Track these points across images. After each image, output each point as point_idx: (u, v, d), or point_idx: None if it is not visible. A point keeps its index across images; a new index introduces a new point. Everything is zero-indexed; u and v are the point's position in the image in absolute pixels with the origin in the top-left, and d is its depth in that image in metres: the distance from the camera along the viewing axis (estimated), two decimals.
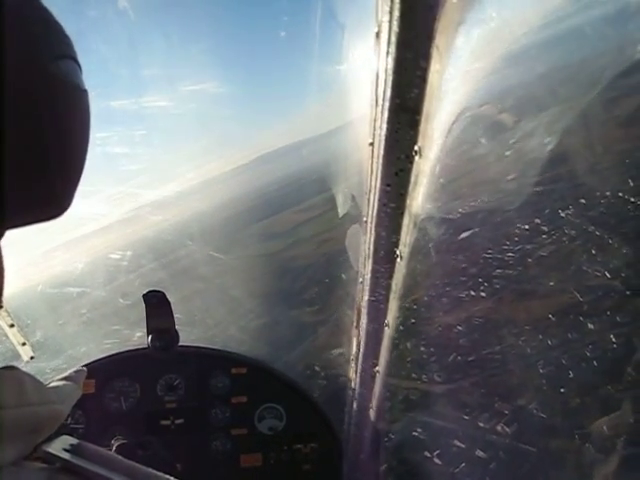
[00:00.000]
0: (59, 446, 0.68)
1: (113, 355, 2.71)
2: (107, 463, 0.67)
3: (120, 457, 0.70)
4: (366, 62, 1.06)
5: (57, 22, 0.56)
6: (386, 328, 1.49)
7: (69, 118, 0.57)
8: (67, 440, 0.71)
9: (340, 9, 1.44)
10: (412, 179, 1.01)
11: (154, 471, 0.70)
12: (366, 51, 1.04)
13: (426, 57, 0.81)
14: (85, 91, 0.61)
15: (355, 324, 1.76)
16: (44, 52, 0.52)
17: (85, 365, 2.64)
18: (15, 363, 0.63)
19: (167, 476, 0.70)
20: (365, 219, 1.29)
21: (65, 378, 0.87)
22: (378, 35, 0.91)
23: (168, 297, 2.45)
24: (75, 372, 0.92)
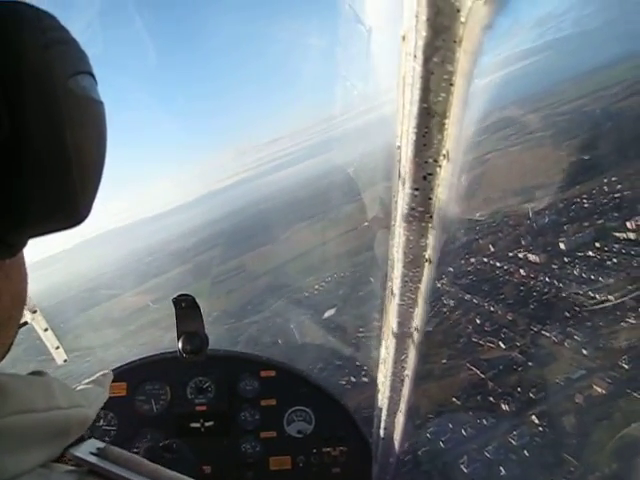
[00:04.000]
0: (86, 449, 0.70)
1: (144, 359, 2.77)
2: (132, 466, 0.68)
3: (146, 460, 0.71)
4: (392, 66, 1.06)
5: (74, 40, 0.59)
6: (415, 332, 1.48)
7: (87, 130, 0.60)
8: (94, 444, 0.73)
9: (366, 12, 1.44)
10: (440, 183, 1.00)
11: (178, 474, 0.71)
12: (392, 54, 1.04)
13: (453, 61, 0.80)
14: (101, 103, 0.63)
15: (384, 328, 1.75)
16: (63, 70, 0.55)
17: (117, 369, 2.71)
18: (48, 366, 0.66)
19: (190, 478, 0.71)
20: (393, 223, 1.29)
21: (92, 382, 0.90)
22: (404, 39, 0.91)
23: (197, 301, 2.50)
24: (102, 376, 0.95)
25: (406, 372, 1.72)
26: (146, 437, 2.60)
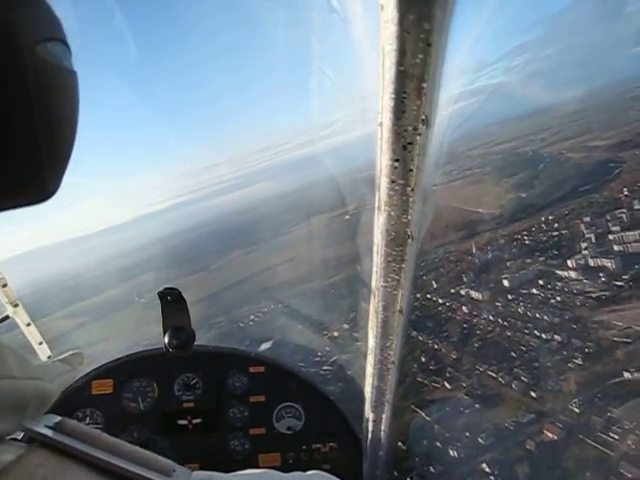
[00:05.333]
0: (43, 424, 0.66)
1: (131, 355, 2.72)
2: (90, 439, 0.64)
3: (105, 434, 0.68)
4: (372, 37, 1.04)
5: (46, 4, 0.56)
6: (399, 314, 1.46)
7: (57, 100, 0.57)
8: (52, 418, 0.69)
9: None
10: (420, 152, 0.98)
11: (139, 449, 0.67)
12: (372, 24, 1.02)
13: (429, 19, 0.79)
14: (74, 73, 0.60)
15: (371, 316, 1.73)
16: (30, 35, 0.52)
17: (102, 365, 2.66)
18: (27, 362, 0.63)
19: (153, 454, 0.68)
20: (377, 204, 1.27)
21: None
22: (383, 7, 0.89)
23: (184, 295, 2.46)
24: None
25: (392, 359, 1.69)
26: (133, 435, 2.56)
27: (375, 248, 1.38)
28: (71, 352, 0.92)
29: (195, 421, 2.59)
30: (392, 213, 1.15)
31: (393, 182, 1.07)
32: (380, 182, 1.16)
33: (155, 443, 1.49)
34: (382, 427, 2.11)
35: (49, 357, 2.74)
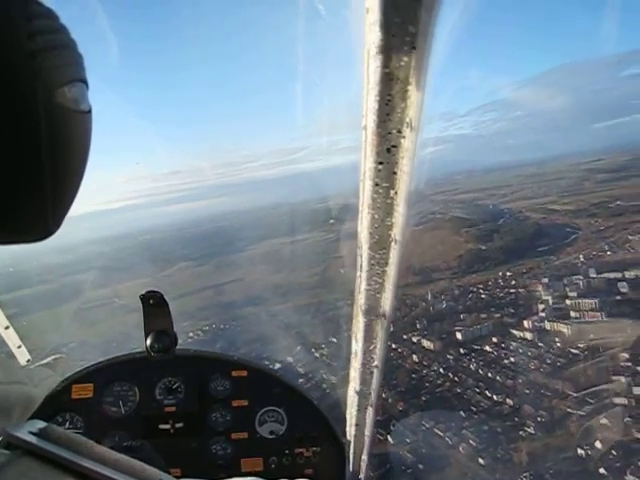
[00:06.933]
0: (26, 430, 0.65)
1: (112, 359, 2.68)
2: (75, 447, 0.63)
3: (91, 442, 0.67)
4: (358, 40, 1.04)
5: (70, 42, 0.55)
6: (382, 319, 1.46)
7: (66, 146, 0.57)
8: (36, 424, 0.67)
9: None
10: (405, 155, 0.98)
11: (125, 457, 0.66)
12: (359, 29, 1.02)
13: (414, 22, 0.79)
14: (88, 112, 0.60)
15: (354, 319, 1.72)
16: (50, 80, 0.51)
17: (83, 369, 2.62)
18: (11, 366, 0.61)
19: (139, 462, 0.67)
20: (361, 207, 1.27)
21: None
22: (368, 11, 0.89)
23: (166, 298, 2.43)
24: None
25: (375, 363, 1.69)
26: (114, 440, 2.52)
27: (358, 251, 1.37)
28: (53, 356, 0.89)
29: (177, 425, 2.56)
30: (376, 216, 1.15)
31: (377, 185, 1.07)
32: (364, 185, 1.16)
33: (142, 448, 1.46)
34: (365, 432, 2.11)
35: (28, 361, 2.68)
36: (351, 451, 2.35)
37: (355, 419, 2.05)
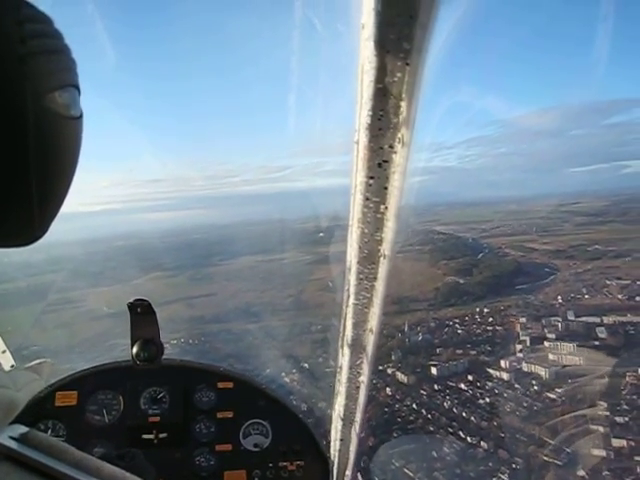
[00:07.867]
0: (7, 435, 0.63)
1: (97, 367, 2.63)
2: (56, 453, 0.61)
3: (72, 448, 0.65)
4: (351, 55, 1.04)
5: (63, 48, 0.54)
6: (370, 334, 1.45)
7: (55, 152, 0.56)
8: (17, 429, 0.66)
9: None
10: (396, 170, 0.98)
11: (106, 464, 0.65)
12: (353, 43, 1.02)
13: (408, 38, 0.79)
14: (79, 118, 0.59)
15: (341, 333, 1.71)
16: (40, 85, 0.50)
17: (67, 377, 2.57)
18: None
19: (121, 470, 0.65)
20: (350, 222, 1.26)
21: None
22: (364, 27, 0.89)
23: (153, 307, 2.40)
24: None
25: (361, 378, 1.68)
26: (96, 449, 2.46)
27: (347, 265, 1.36)
28: (39, 360, 0.87)
29: (161, 436, 2.52)
30: (366, 230, 1.14)
31: (367, 199, 1.06)
32: (354, 199, 1.15)
33: (134, 457, 1.43)
34: (350, 446, 2.09)
35: (12, 366, 2.63)
36: (335, 466, 2.33)
37: (340, 434, 2.03)
